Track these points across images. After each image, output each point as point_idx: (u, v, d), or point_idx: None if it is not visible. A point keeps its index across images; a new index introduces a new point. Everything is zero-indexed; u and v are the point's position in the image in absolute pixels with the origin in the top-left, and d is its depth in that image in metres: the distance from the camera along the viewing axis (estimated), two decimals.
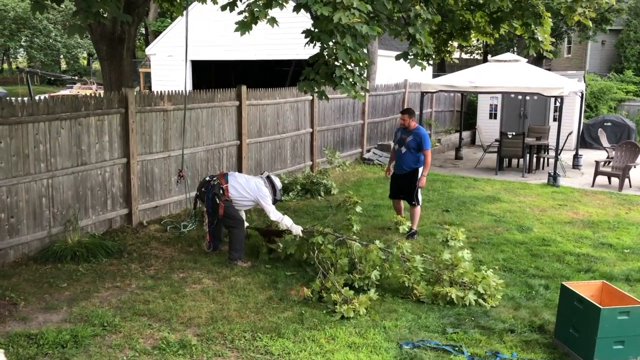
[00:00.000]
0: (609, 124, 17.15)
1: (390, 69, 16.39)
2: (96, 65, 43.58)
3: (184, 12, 9.85)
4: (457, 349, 4.89)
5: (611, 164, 12.32)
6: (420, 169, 8.08)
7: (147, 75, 25.55)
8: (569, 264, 7.14)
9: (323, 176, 10.81)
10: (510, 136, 13.16)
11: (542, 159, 14.07)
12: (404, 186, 8.16)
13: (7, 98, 6.80)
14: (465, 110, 18.49)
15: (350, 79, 6.50)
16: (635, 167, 11.99)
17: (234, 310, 5.59)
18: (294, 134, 11.65)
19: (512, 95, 15.19)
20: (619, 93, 21.18)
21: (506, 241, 7.97)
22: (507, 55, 14.64)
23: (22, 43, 39.14)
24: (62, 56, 43.54)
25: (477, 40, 14.69)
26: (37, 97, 7.21)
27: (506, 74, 12.88)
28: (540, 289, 6.27)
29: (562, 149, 13.01)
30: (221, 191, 6.80)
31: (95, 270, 6.54)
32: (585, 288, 5.10)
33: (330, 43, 6.29)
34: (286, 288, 6.15)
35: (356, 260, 6.25)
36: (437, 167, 13.92)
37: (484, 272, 6.08)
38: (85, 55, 47.66)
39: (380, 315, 5.54)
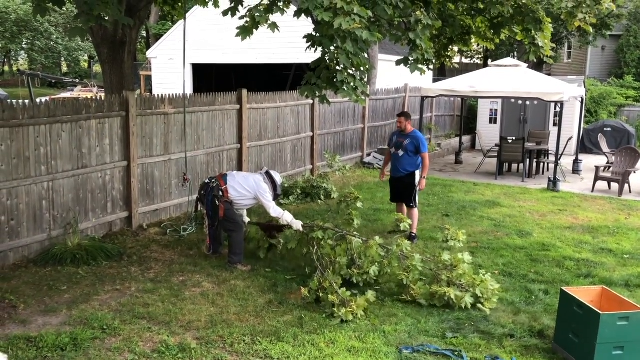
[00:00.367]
0: (609, 129, 17.17)
1: (391, 73, 16.42)
2: (97, 68, 43.67)
3: (184, 16, 9.89)
4: (456, 353, 4.89)
5: (611, 169, 12.33)
6: (417, 172, 8.15)
7: (148, 79, 25.60)
8: (569, 269, 7.14)
9: (323, 180, 10.83)
10: (510, 141, 13.18)
11: (542, 164, 14.08)
12: (402, 189, 8.21)
13: (8, 101, 6.81)
14: (466, 115, 18.50)
15: (352, 84, 6.52)
16: (635, 172, 12.01)
17: (234, 313, 5.59)
18: (294, 138, 11.66)
19: (512, 100, 15.17)
20: (619, 98, 21.20)
21: (506, 246, 7.98)
22: (508, 60, 14.69)
23: (24, 45, 39.23)
24: (63, 59, 43.61)
25: (478, 45, 14.73)
26: (38, 100, 7.23)
27: (506, 79, 12.90)
28: (540, 294, 6.27)
29: (562, 154, 13.02)
30: (220, 193, 6.81)
31: (95, 273, 6.54)
32: (585, 293, 5.10)
33: (332, 48, 6.31)
34: (286, 292, 6.15)
35: (355, 256, 6.26)
36: (437, 171, 13.93)
37: (482, 275, 6.08)
38: (86, 58, 47.76)
39: (380, 320, 5.54)
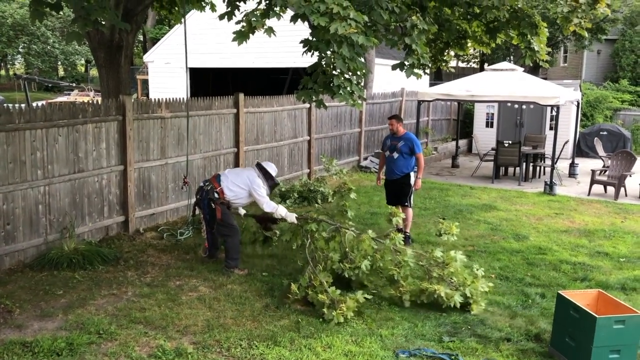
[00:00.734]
0: (605, 133, 17.22)
1: (387, 77, 16.44)
2: (94, 72, 43.63)
3: (182, 20, 9.89)
4: (453, 357, 4.89)
5: (607, 173, 12.37)
6: (413, 174, 8.21)
7: (145, 83, 25.61)
8: (565, 272, 7.15)
9: (320, 184, 10.84)
10: (506, 145, 13.21)
11: (538, 168, 14.11)
12: (398, 189, 8.25)
13: (5, 105, 6.80)
14: (462, 119, 18.56)
15: (348, 88, 6.52)
16: (630, 176, 12.04)
17: (230, 318, 5.58)
18: (291, 142, 11.67)
19: (509, 104, 15.25)
20: (615, 102, 21.29)
21: (502, 250, 7.99)
22: (504, 64, 14.73)
23: (20, 49, 39.13)
24: (59, 63, 43.53)
25: (474, 49, 14.76)
26: (34, 104, 7.22)
27: (503, 83, 12.95)
28: (537, 297, 6.28)
29: (558, 158, 13.06)
30: (216, 194, 6.80)
31: (92, 278, 6.53)
32: (581, 297, 5.11)
33: (328, 52, 6.32)
34: (282, 296, 6.15)
35: (348, 249, 6.25)
36: (434, 175, 13.96)
37: (475, 270, 6.06)
38: (83, 62, 47.66)
39: (377, 324, 5.55)
